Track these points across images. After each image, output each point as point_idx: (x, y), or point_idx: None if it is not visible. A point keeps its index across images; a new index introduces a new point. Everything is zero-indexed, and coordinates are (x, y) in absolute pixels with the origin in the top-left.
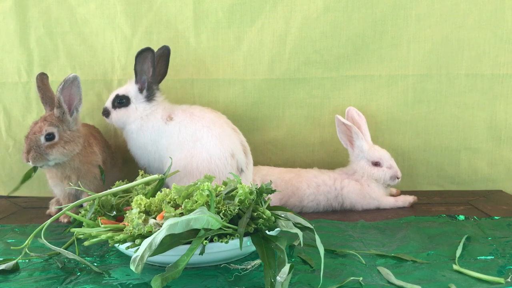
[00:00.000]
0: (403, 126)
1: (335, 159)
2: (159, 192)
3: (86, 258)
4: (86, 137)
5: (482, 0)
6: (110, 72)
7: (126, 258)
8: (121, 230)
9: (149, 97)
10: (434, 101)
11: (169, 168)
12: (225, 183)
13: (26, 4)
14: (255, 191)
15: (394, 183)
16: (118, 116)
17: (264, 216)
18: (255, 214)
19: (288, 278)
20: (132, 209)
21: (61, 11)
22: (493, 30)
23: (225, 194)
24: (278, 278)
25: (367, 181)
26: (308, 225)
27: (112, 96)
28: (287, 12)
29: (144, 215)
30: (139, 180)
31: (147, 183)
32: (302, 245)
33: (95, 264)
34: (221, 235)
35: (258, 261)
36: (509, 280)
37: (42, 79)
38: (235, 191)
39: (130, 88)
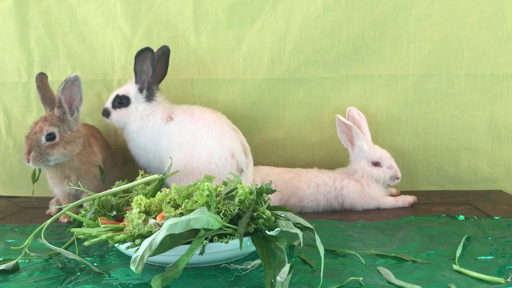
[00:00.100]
0: (403, 126)
1: (335, 159)
2: (159, 192)
3: (86, 258)
4: (86, 137)
5: (482, 0)
6: (110, 72)
7: (126, 258)
8: (121, 230)
9: (149, 97)
10: (434, 101)
11: (169, 168)
12: (225, 183)
13: (26, 4)
14: (255, 191)
15: (394, 183)
16: (118, 116)
17: (264, 216)
18: (255, 214)
19: (288, 278)
20: (132, 209)
21: (61, 11)
22: (493, 30)
23: (225, 194)
24: (278, 278)
25: (367, 181)
26: (308, 225)
27: (112, 96)
28: (287, 12)
29: (144, 215)
30: (139, 180)
31: (147, 183)
32: (302, 245)
33: (95, 264)
34: (221, 235)
35: (258, 261)
36: (509, 280)
37: (42, 79)
38: (235, 191)
39: (130, 88)
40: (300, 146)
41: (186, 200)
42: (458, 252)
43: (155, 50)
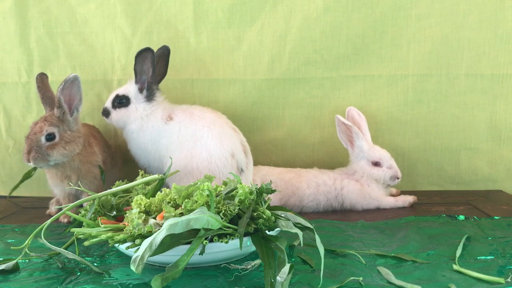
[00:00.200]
0: (403, 126)
1: (335, 159)
2: (159, 192)
3: (86, 258)
4: (86, 137)
5: (482, 0)
6: (110, 72)
7: (126, 258)
8: (121, 230)
9: (149, 97)
10: (434, 101)
11: (169, 168)
12: (225, 183)
13: (26, 4)
14: (255, 191)
15: (394, 183)
16: (118, 116)
17: (264, 216)
18: (255, 214)
19: (288, 278)
20: (132, 209)
21: (61, 11)
22: (493, 30)
23: (225, 194)
24: (278, 278)
25: (367, 181)
26: (308, 225)
27: (112, 96)
28: (287, 12)
29: (144, 215)
30: (139, 180)
31: (147, 183)
32: (302, 245)
33: (95, 264)
34: (221, 235)
35: (258, 261)
36: (509, 280)
37: (42, 79)
38: (235, 191)
39: (130, 88)
40: (300, 146)
41: (186, 200)
42: (458, 252)
43: (155, 50)
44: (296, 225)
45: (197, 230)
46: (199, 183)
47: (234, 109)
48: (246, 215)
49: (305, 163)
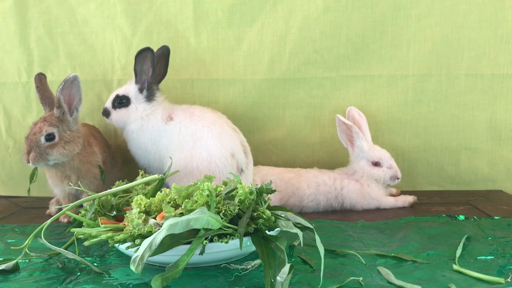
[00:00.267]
0: (403, 126)
1: (335, 159)
2: (159, 192)
3: (86, 258)
4: (86, 137)
5: (482, 0)
6: (110, 72)
7: (126, 258)
8: (121, 230)
9: (149, 97)
10: (434, 101)
11: (169, 168)
12: (225, 183)
13: (26, 4)
14: (255, 191)
15: (394, 183)
16: (118, 116)
17: (264, 216)
18: (255, 214)
19: (288, 278)
20: (132, 209)
21: (61, 11)
22: (493, 30)
23: (225, 194)
24: (278, 278)
25: (367, 181)
26: (308, 225)
27: (112, 96)
28: (287, 12)
29: (144, 215)
30: (139, 180)
31: (147, 183)
32: (302, 245)
33: (95, 264)
34: (221, 235)
35: (258, 261)
36: (509, 280)
37: (41, 79)
38: (235, 191)
39: (130, 88)
40: (300, 146)
41: (186, 200)
42: (458, 252)
43: (155, 50)
44: (296, 225)
45: (197, 230)
46: (199, 183)
47: (234, 109)
48: (246, 215)
49: (305, 163)
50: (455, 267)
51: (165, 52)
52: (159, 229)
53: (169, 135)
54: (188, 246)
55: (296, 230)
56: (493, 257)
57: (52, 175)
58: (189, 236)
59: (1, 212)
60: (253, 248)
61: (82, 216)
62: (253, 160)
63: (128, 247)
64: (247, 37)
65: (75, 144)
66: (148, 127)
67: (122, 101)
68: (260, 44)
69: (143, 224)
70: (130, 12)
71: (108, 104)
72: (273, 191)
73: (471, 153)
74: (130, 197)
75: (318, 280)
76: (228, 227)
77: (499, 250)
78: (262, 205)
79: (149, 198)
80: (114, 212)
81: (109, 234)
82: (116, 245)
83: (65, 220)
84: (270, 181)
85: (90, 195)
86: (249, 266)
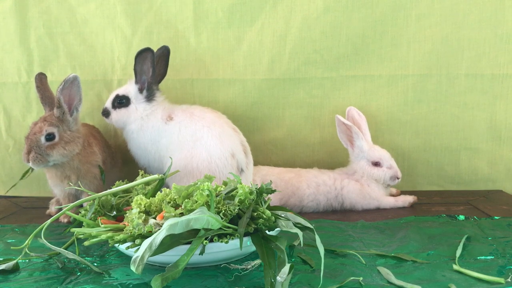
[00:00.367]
0: (403, 126)
1: (335, 159)
2: (159, 192)
3: (86, 258)
4: (86, 137)
5: (482, 0)
6: (110, 72)
7: (126, 258)
8: (121, 230)
9: (149, 97)
10: (434, 101)
11: (169, 168)
12: (225, 183)
13: (26, 4)
14: (255, 191)
15: (394, 183)
16: (118, 116)
17: (264, 216)
18: (255, 214)
19: (288, 278)
20: (132, 209)
21: (61, 11)
22: (493, 30)
23: (225, 194)
24: (278, 278)
25: (367, 181)
26: (308, 225)
27: (112, 96)
28: (287, 12)
29: (144, 215)
30: (139, 180)
31: (147, 183)
32: (302, 245)
33: (95, 264)
34: (221, 235)
35: (258, 261)
36: (509, 280)
37: (41, 79)
38: (235, 191)
39: (130, 88)
40: (300, 146)
41: (186, 200)
42: (458, 252)
43: (155, 50)
44: (296, 225)
45: (197, 230)
46: (199, 183)
47: (234, 109)
48: (246, 215)
49: (305, 163)
50: (455, 267)
51: (165, 52)
52: (159, 229)
53: (169, 135)
54: (188, 246)
55: (296, 230)
56: (493, 257)
57: (52, 175)
58: (189, 236)
59: (1, 212)
60: (253, 248)
61: (82, 216)
62: (253, 160)
63: (128, 247)
64: (247, 37)
65: (75, 144)
66: (148, 127)
67: (122, 101)
68: (260, 44)
69: (143, 224)
70: (130, 12)
71: (108, 104)
72: (273, 191)
73: (471, 153)
74: (130, 197)
75: (318, 280)
76: (228, 227)
77: (499, 250)
78: (262, 205)
79: (149, 198)
80: (114, 212)
81: (109, 234)
82: (116, 245)
83: (65, 220)
84: (270, 181)
85: (90, 195)
86: (249, 266)
